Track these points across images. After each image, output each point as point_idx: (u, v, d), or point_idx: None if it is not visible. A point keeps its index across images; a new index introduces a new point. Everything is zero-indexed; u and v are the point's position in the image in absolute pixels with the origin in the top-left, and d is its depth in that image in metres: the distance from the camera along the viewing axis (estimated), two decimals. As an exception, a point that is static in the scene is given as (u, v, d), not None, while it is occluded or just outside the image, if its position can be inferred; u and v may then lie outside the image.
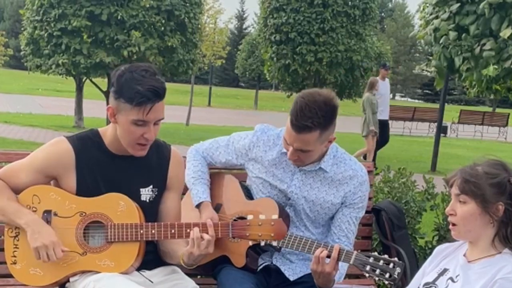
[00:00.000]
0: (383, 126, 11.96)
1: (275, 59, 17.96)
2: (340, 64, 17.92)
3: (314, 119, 2.59)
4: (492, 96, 11.57)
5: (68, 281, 2.55)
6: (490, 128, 25.45)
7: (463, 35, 8.28)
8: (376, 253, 2.66)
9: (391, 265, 2.58)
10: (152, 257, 2.61)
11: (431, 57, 9.97)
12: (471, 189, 2.21)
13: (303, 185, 2.83)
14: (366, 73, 19.14)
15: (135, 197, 2.56)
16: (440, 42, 8.60)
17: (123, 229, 2.48)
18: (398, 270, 2.57)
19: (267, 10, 17.92)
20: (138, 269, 2.57)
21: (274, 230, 2.45)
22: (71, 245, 2.51)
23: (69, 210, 2.53)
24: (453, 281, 2.25)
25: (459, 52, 8.37)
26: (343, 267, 2.82)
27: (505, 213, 2.20)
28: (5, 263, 2.63)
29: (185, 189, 2.97)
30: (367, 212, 3.43)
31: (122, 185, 2.54)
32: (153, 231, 2.49)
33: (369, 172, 3.37)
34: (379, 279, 2.61)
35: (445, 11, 8.55)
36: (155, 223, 2.52)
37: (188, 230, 2.48)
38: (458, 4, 8.32)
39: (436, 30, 8.69)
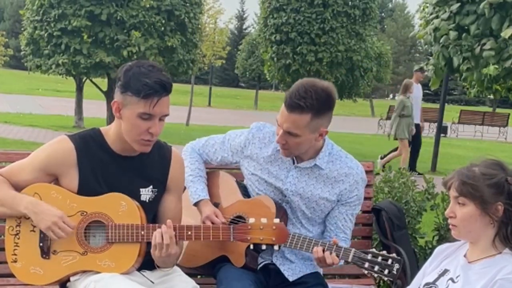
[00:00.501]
0: (416, 127, 11.82)
1: (275, 59, 17.96)
2: (340, 64, 17.93)
3: (307, 100, 2.59)
4: (492, 96, 11.57)
5: (69, 280, 2.55)
6: (490, 128, 25.42)
7: (463, 35, 8.28)
8: (374, 249, 2.66)
9: (389, 261, 2.58)
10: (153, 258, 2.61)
11: (431, 57, 9.96)
12: (469, 191, 2.21)
13: (298, 182, 2.83)
14: (366, 73, 19.16)
15: (135, 196, 2.55)
16: (440, 41, 8.60)
17: (123, 230, 2.48)
18: (396, 266, 2.56)
19: (267, 10, 17.93)
20: (139, 269, 2.57)
21: (276, 234, 2.46)
22: (71, 244, 2.51)
23: (70, 209, 2.53)
24: (453, 281, 2.25)
25: (459, 52, 8.37)
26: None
27: (505, 213, 2.20)
28: (5, 262, 2.63)
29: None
30: (367, 212, 3.44)
31: (123, 184, 2.54)
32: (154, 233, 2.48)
33: (369, 171, 3.37)
34: (378, 276, 2.61)
35: (445, 11, 8.55)
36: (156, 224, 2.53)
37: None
38: (459, 4, 8.32)
39: (436, 29, 8.69)
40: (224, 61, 30.67)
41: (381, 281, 2.92)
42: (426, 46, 9.72)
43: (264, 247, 2.53)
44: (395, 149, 11.97)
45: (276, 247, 2.57)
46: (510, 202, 2.19)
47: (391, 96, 75.81)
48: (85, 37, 14.64)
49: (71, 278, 2.54)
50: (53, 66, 15.21)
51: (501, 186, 2.20)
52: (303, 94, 2.60)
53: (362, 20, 18.11)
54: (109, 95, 16.36)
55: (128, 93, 2.44)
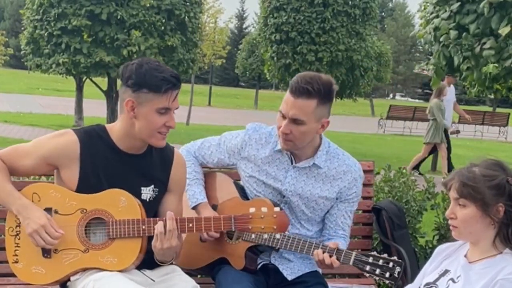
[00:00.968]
0: (446, 132, 11.78)
1: (275, 58, 17.93)
2: (340, 64, 17.90)
3: (314, 85, 2.62)
4: (492, 96, 11.57)
5: (69, 280, 2.55)
6: (491, 128, 25.43)
7: (464, 34, 8.28)
8: (375, 253, 2.66)
9: (390, 264, 2.58)
10: (153, 256, 2.60)
11: (431, 57, 9.96)
12: (470, 193, 2.19)
13: (297, 182, 2.82)
14: (366, 72, 19.13)
15: (135, 195, 2.55)
16: (441, 41, 8.60)
17: (124, 225, 2.48)
18: (398, 269, 2.57)
19: (267, 9, 17.90)
20: (139, 268, 2.57)
21: (277, 222, 2.45)
22: (73, 242, 2.51)
23: (69, 208, 2.53)
24: (454, 281, 2.25)
25: (459, 51, 8.37)
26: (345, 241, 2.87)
27: (506, 214, 2.19)
28: (6, 262, 2.63)
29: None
30: (367, 211, 3.44)
31: (124, 182, 2.54)
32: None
33: (369, 171, 3.37)
34: (379, 279, 2.61)
35: (446, 10, 8.55)
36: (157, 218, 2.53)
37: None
38: (459, 3, 8.32)
39: (436, 29, 8.69)
40: (224, 61, 30.70)
41: (382, 281, 2.92)
42: (427, 45, 9.72)
43: (266, 236, 2.52)
44: (432, 153, 11.80)
45: (278, 236, 2.56)
46: (511, 203, 2.19)
47: (391, 95, 75.82)
48: (85, 36, 14.65)
49: (71, 278, 2.53)
50: (53, 66, 15.22)
51: (502, 187, 2.19)
52: (309, 80, 2.64)
53: (362, 20, 18.08)
54: (109, 94, 16.37)
55: (143, 90, 2.45)
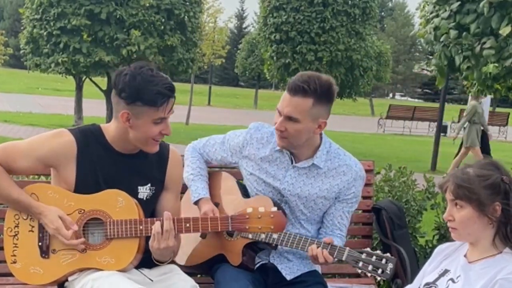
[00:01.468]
0: (483, 134, 11.62)
1: (275, 58, 17.93)
2: (340, 63, 17.90)
3: (311, 84, 2.63)
4: (492, 95, 11.56)
5: (67, 280, 2.55)
6: (490, 128, 25.34)
7: (464, 33, 8.28)
8: (368, 249, 2.67)
9: (383, 261, 2.59)
10: (151, 255, 2.60)
11: (431, 56, 9.96)
12: (465, 194, 2.19)
13: (296, 181, 2.82)
14: (366, 72, 19.13)
15: (133, 194, 2.55)
16: (441, 40, 8.59)
17: (122, 226, 2.48)
18: (390, 265, 2.57)
19: (267, 9, 17.89)
20: (137, 267, 2.57)
21: (274, 222, 2.44)
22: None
23: (67, 208, 2.52)
24: (453, 282, 2.24)
25: (460, 51, 8.36)
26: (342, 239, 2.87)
27: (503, 212, 2.18)
28: (4, 262, 2.62)
29: (185, 187, 2.97)
30: (367, 211, 3.43)
31: (121, 181, 2.54)
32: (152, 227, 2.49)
33: (369, 171, 3.36)
34: (371, 275, 2.61)
35: (446, 10, 8.55)
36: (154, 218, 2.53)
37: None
38: (459, 3, 8.31)
39: (436, 28, 8.69)
40: (223, 60, 30.69)
41: (382, 280, 2.92)
42: (426, 45, 9.71)
43: (263, 235, 2.52)
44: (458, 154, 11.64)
45: (275, 235, 2.57)
46: (508, 202, 2.18)
47: (390, 95, 75.84)
48: (85, 36, 14.65)
49: (69, 278, 2.53)
50: (53, 65, 15.23)
51: (497, 186, 2.18)
52: (307, 78, 2.65)
53: (362, 19, 18.08)
54: (108, 94, 16.34)
55: (137, 103, 2.44)
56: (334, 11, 17.38)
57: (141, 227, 2.48)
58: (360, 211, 3.43)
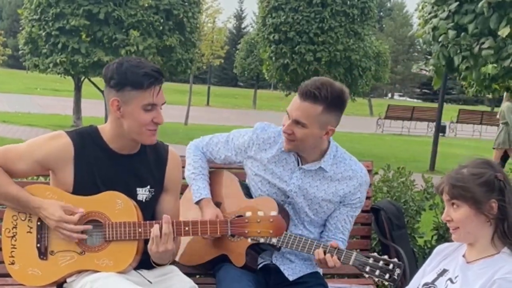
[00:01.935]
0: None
1: (273, 58, 17.92)
2: (338, 64, 17.89)
3: (322, 91, 2.62)
4: (490, 96, 11.56)
5: (65, 281, 2.54)
6: (489, 128, 25.45)
7: (462, 34, 8.27)
8: (375, 254, 2.66)
9: (390, 266, 2.59)
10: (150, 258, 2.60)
11: (429, 56, 9.96)
12: (460, 193, 2.21)
13: (302, 183, 2.82)
14: (365, 72, 19.13)
15: (132, 196, 2.54)
16: (439, 41, 8.59)
17: (120, 228, 2.47)
18: (398, 271, 2.57)
19: (265, 9, 17.88)
20: (136, 269, 2.56)
21: (273, 226, 2.43)
22: (69, 244, 2.50)
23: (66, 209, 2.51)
24: (452, 282, 2.25)
25: (458, 51, 8.36)
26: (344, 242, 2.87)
27: (499, 209, 2.19)
28: (2, 262, 2.62)
29: (185, 186, 2.96)
30: (366, 211, 3.43)
31: (119, 183, 2.53)
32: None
33: (368, 171, 3.36)
34: (378, 280, 2.61)
35: (444, 10, 8.54)
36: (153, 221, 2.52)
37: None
38: (457, 3, 8.30)
39: (435, 29, 8.68)
40: (222, 61, 30.71)
41: (380, 281, 2.92)
42: (425, 45, 9.71)
43: (262, 240, 2.51)
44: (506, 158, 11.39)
45: (274, 240, 2.56)
46: (503, 198, 2.19)
47: (389, 95, 75.84)
48: (83, 36, 14.65)
49: (68, 279, 2.53)
50: (51, 65, 15.22)
51: (491, 183, 2.20)
52: (319, 85, 2.64)
53: (361, 20, 18.08)
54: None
55: (127, 88, 2.45)
56: (332, 11, 17.38)
57: (140, 230, 2.47)
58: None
